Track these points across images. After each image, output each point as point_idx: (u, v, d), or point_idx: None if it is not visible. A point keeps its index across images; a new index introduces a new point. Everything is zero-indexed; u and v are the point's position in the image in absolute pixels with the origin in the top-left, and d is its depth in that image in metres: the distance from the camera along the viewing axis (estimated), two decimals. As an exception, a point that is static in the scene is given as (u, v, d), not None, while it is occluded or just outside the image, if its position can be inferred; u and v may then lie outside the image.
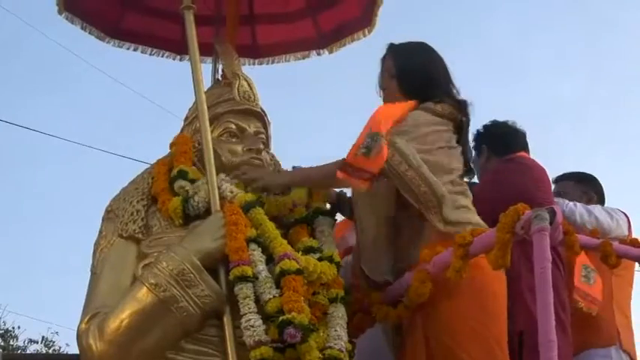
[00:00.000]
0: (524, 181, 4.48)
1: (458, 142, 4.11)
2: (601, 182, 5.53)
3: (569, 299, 4.51)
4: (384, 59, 4.30)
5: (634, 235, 5.11)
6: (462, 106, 4.16)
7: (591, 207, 5.12)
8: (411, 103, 4.07)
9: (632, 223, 5.19)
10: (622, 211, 5.21)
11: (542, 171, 4.75)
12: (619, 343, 4.93)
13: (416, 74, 4.18)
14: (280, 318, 3.42)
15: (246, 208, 3.76)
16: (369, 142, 3.78)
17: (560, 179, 5.49)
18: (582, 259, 4.61)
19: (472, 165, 4.27)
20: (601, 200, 5.39)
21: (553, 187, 5.38)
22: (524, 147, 4.96)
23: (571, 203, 5.06)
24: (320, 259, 3.76)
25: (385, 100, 4.24)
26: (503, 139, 4.98)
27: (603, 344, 4.91)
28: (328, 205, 4.21)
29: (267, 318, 3.47)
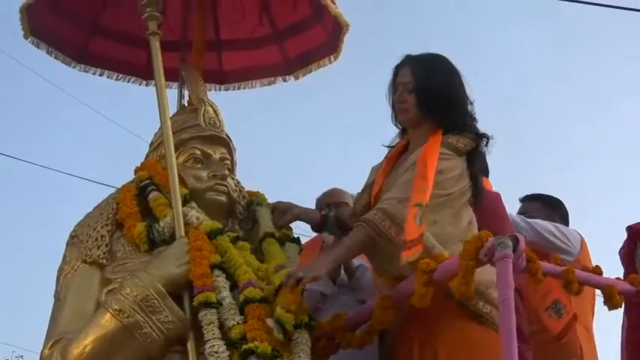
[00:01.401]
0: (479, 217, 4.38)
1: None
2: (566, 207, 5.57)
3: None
4: (398, 69, 4.23)
5: (589, 257, 5.17)
6: (482, 141, 4.14)
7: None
8: (438, 137, 4.03)
9: (587, 246, 5.24)
10: (577, 232, 5.26)
11: (496, 201, 4.72)
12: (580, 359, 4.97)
13: (436, 94, 4.09)
14: (243, 347, 3.42)
15: (212, 234, 3.76)
16: (420, 214, 3.78)
17: (527, 199, 5.52)
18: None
19: None
20: (565, 225, 5.43)
21: (519, 206, 5.41)
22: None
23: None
24: None
25: (399, 112, 4.19)
26: None
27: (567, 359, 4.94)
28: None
29: (231, 344, 3.47)
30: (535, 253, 3.80)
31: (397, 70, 4.24)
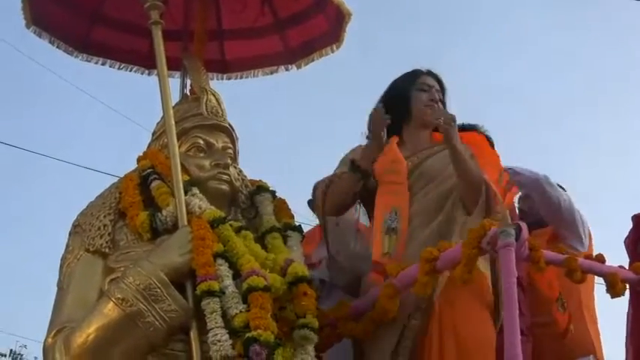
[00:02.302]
0: None
1: None
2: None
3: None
4: (420, 73, 4.58)
5: (592, 247, 5.18)
6: None
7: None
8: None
9: (592, 241, 5.25)
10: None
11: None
12: (594, 354, 4.96)
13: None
14: (246, 335, 3.42)
15: (214, 223, 3.76)
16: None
17: None
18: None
19: None
20: None
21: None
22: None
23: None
24: None
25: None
26: None
27: (580, 354, 4.93)
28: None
29: (233, 333, 3.47)
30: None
31: (419, 73, 4.58)
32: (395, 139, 4.36)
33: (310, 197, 5.33)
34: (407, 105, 4.50)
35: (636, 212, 4.59)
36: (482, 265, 3.96)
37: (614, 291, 4.02)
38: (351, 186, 4.34)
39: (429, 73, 4.59)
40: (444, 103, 4.53)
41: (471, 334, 3.91)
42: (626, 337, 4.43)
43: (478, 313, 3.98)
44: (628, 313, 4.40)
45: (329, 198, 4.44)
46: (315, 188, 5.34)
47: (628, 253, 4.51)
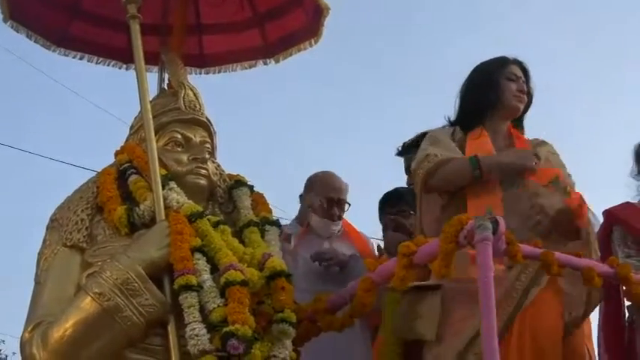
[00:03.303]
0: None
1: None
2: None
3: None
4: (509, 62, 4.59)
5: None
6: None
7: None
8: None
9: None
10: None
11: None
12: None
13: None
14: (223, 330, 3.42)
15: (192, 217, 3.77)
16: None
17: None
18: None
19: None
20: None
21: None
22: None
23: None
24: None
25: (519, 100, 4.55)
26: None
27: None
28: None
29: (211, 327, 3.47)
30: None
31: (507, 61, 4.58)
32: (484, 133, 4.39)
33: (302, 192, 5.37)
34: (497, 92, 4.50)
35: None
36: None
37: (590, 285, 4.04)
38: (464, 174, 4.32)
39: (516, 62, 4.59)
40: (530, 95, 4.56)
41: (547, 330, 3.95)
42: (598, 332, 4.45)
43: (554, 310, 4.02)
44: (600, 308, 4.43)
45: (443, 171, 4.35)
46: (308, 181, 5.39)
47: (600, 248, 4.53)
